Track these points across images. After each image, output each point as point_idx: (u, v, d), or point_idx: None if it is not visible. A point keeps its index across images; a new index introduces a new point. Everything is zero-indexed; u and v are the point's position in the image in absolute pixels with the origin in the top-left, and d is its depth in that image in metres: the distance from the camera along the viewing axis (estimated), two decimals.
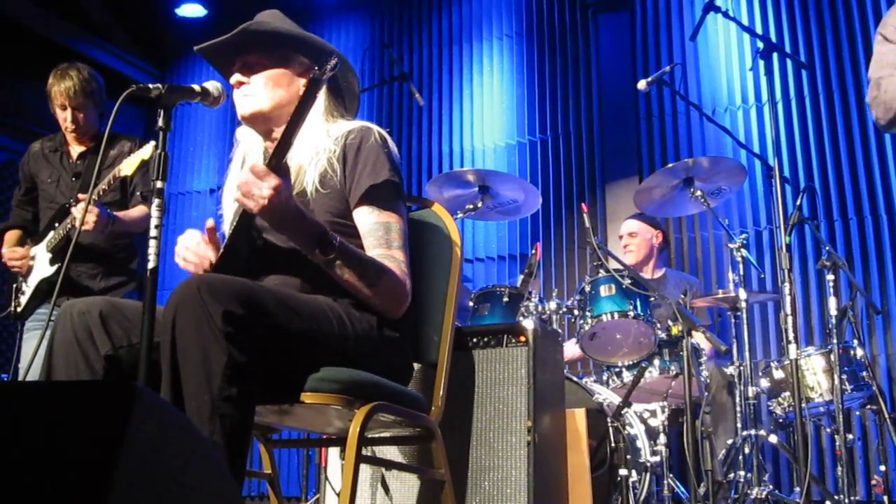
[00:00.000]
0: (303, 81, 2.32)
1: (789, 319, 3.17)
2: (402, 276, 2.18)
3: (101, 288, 3.73)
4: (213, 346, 1.73)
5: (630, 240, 4.76)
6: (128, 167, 3.41)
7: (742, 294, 3.83)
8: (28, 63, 6.04)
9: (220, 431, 1.70)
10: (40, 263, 3.75)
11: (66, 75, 3.74)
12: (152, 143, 3.48)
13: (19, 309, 3.78)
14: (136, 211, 3.75)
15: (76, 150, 3.89)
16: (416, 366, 2.40)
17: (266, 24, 2.31)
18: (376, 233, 2.20)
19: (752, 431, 3.65)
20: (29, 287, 3.76)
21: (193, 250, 2.20)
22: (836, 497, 3.70)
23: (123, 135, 3.92)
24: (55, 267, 3.68)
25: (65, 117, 3.79)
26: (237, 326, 1.76)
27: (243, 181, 1.96)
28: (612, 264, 3.83)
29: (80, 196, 3.47)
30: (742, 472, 3.60)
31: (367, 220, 2.22)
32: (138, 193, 3.79)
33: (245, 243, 2.20)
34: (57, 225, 3.71)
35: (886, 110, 2.71)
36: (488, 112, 6.25)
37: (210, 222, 2.21)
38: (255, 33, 2.29)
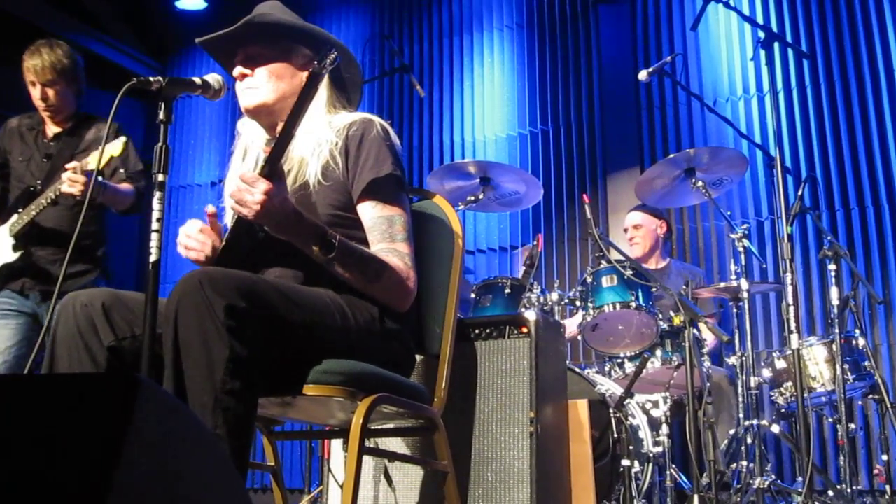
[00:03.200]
0: (305, 73, 2.31)
1: (791, 309, 3.17)
2: (405, 270, 2.18)
3: (60, 275, 3.62)
4: (216, 339, 1.73)
5: (635, 232, 4.76)
6: (94, 160, 3.35)
7: (744, 284, 3.83)
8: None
9: (224, 425, 1.71)
10: (3, 248, 3.67)
11: (37, 52, 3.67)
12: (123, 138, 3.42)
13: None
14: (124, 185, 3.68)
15: (52, 130, 3.81)
16: (418, 357, 2.41)
17: (268, 16, 2.30)
18: (380, 227, 2.20)
19: (755, 421, 3.66)
20: None
21: (194, 237, 2.21)
22: (838, 486, 3.70)
23: (101, 118, 3.83)
24: (18, 254, 3.62)
25: (35, 94, 3.71)
26: (239, 320, 1.76)
27: (235, 190, 1.96)
28: (614, 255, 3.83)
29: (68, 166, 3.39)
30: (744, 463, 3.60)
31: (371, 214, 2.22)
32: (121, 171, 3.70)
33: (246, 236, 2.20)
34: (21, 210, 3.63)
35: None
36: (489, 103, 6.25)
37: (210, 208, 2.22)
38: (258, 25, 2.28)
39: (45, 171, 3.71)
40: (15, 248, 3.65)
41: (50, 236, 3.68)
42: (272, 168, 1.96)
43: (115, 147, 3.39)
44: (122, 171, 3.71)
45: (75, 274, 3.70)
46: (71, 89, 3.77)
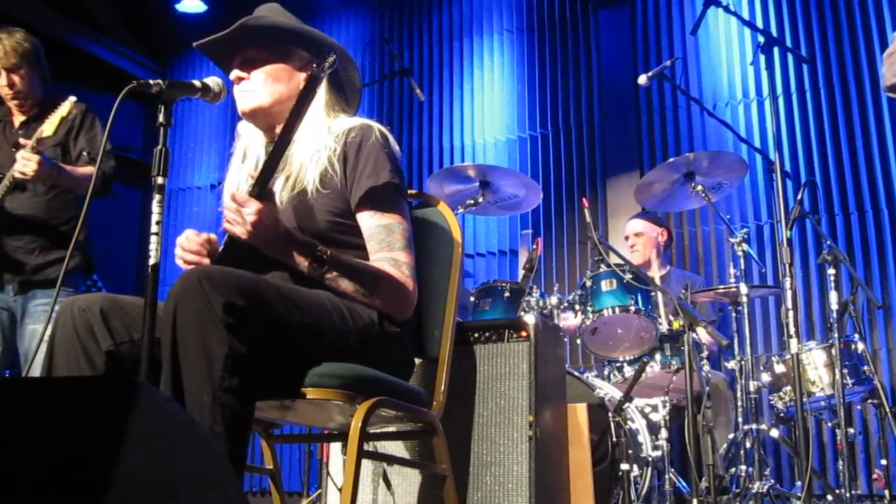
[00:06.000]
0: (303, 76, 2.31)
1: (790, 314, 3.17)
2: (403, 279, 2.17)
3: (37, 264, 3.56)
4: (214, 336, 1.73)
5: (636, 240, 4.75)
6: (49, 127, 3.31)
7: (743, 288, 3.83)
8: None
9: (221, 422, 1.70)
10: None
11: None
12: (72, 98, 3.39)
13: None
14: (83, 168, 3.59)
15: (19, 119, 3.74)
16: (417, 361, 2.41)
17: (265, 19, 2.30)
18: (378, 236, 2.20)
19: (754, 426, 3.65)
20: None
21: (188, 248, 2.21)
22: (837, 491, 3.70)
23: (63, 100, 3.70)
24: None
25: (1, 83, 3.64)
26: (238, 317, 1.76)
27: (226, 210, 1.98)
28: (613, 259, 3.83)
29: (22, 141, 3.34)
30: (743, 467, 3.60)
31: (369, 223, 2.21)
32: (85, 154, 3.63)
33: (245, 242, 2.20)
34: None
35: (893, 74, 2.78)
36: (489, 107, 6.25)
37: (212, 237, 2.23)
38: (254, 28, 2.28)
39: (14, 159, 3.55)
40: None
41: (24, 225, 3.57)
42: (262, 186, 1.96)
43: (64, 108, 3.34)
44: (86, 153, 3.63)
45: (52, 262, 3.59)
46: (36, 74, 3.69)
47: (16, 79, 3.65)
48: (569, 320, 4.03)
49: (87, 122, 3.65)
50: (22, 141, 3.38)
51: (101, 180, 3.60)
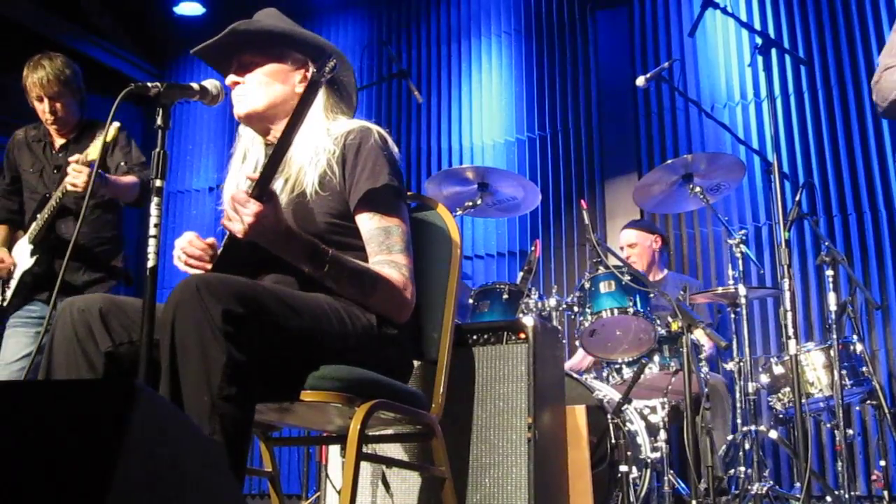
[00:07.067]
0: (299, 77, 2.32)
1: (789, 315, 3.17)
2: (401, 282, 2.17)
3: (83, 282, 3.70)
4: (213, 345, 1.72)
5: (631, 250, 4.74)
6: (94, 151, 3.39)
7: (742, 290, 3.83)
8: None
9: (221, 431, 1.70)
10: (23, 256, 3.72)
11: (39, 65, 3.68)
12: (116, 124, 3.48)
13: (4, 303, 3.74)
14: (125, 178, 3.71)
15: (59, 141, 3.85)
16: (416, 363, 2.41)
17: (256, 23, 2.30)
18: (377, 239, 2.20)
19: (753, 427, 3.65)
20: (14, 279, 3.72)
21: (191, 252, 2.21)
22: (836, 492, 3.70)
23: (103, 122, 3.84)
24: (34, 259, 3.66)
25: (42, 109, 3.73)
26: (237, 325, 1.76)
27: (227, 208, 1.98)
28: (612, 261, 3.83)
29: (71, 159, 3.44)
30: (742, 468, 3.60)
31: (368, 226, 2.21)
32: (122, 164, 3.76)
33: (244, 242, 2.20)
34: (38, 216, 3.67)
35: (881, 100, 2.79)
36: (487, 109, 6.25)
37: (213, 241, 2.23)
38: (246, 33, 2.28)
39: (57, 180, 3.72)
40: (33, 254, 3.69)
41: (68, 244, 3.69)
42: (263, 188, 1.96)
43: (110, 134, 3.44)
44: (123, 164, 3.76)
45: (94, 281, 3.74)
46: (76, 99, 3.80)
47: (58, 105, 3.75)
48: (574, 359, 4.04)
49: (121, 139, 3.77)
50: (71, 158, 3.47)
51: (142, 188, 3.75)
